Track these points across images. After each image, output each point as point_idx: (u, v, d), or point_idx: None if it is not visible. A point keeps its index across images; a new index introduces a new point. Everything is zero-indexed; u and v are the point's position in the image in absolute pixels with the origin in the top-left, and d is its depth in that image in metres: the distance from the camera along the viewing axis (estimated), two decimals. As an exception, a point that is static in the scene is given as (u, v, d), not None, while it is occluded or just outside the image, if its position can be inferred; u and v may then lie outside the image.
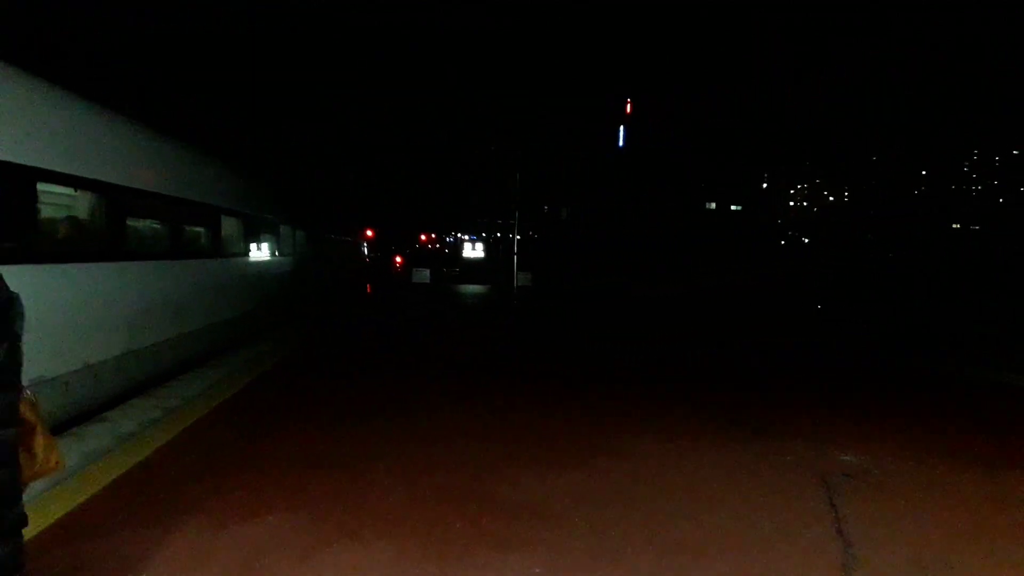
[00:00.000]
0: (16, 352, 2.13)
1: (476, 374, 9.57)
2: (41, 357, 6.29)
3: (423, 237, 75.38)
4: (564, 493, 5.01)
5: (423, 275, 31.47)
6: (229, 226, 12.47)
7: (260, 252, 14.06)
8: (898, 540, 4.31)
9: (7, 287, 2.14)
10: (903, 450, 6.21)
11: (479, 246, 41.56)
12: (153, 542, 4.05)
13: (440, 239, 77.57)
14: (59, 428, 6.55)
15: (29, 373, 6.11)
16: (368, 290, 30.37)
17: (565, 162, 53.71)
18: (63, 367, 6.68)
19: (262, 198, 14.79)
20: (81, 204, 8.19)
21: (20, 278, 5.96)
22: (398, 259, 51.35)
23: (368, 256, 45.57)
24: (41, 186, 6.48)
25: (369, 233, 57.21)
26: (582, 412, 7.45)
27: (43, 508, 4.41)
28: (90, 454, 5.69)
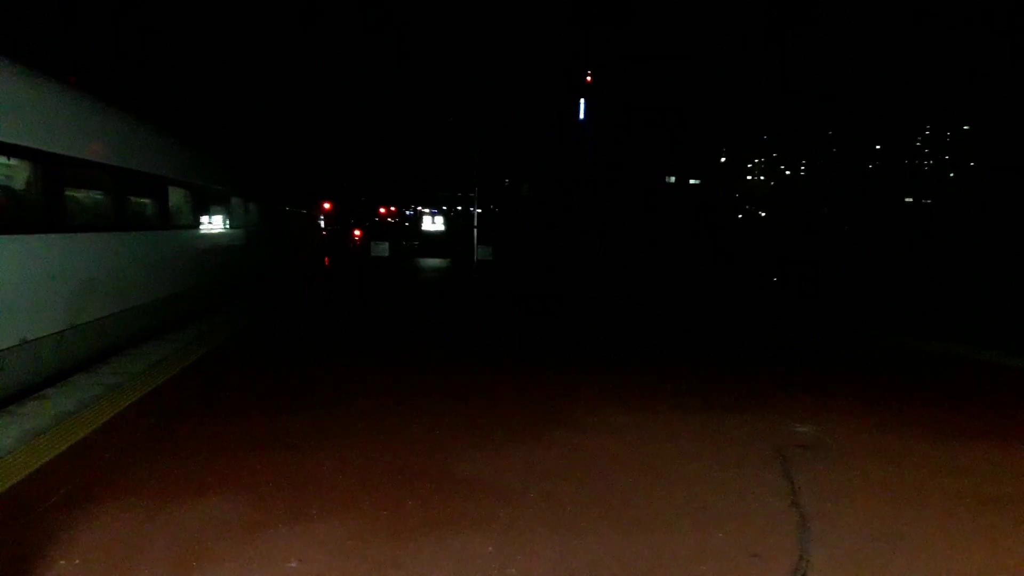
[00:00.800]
0: None
1: (430, 351, 9.45)
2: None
3: (382, 210, 74.41)
4: (520, 469, 4.92)
5: (382, 248, 31.15)
6: (177, 197, 12.07)
7: (210, 224, 13.66)
8: (852, 512, 4.31)
9: None
10: (857, 421, 6.26)
11: (439, 219, 41.21)
12: (87, 526, 3.86)
13: (400, 212, 76.73)
14: (-5, 406, 6.27)
15: (-41, 350, 5.87)
16: (326, 263, 29.94)
17: (526, 135, 53.39)
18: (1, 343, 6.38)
19: (212, 169, 14.34)
20: (13, 173, 7.80)
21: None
22: (357, 232, 50.65)
23: (325, 229, 44.87)
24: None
25: (327, 206, 56.33)
26: (539, 388, 7.37)
27: (-30, 491, 4.19)
28: (25, 433, 5.44)
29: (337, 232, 50.15)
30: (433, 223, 40.60)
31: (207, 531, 3.87)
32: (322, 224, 35.90)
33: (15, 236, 6.77)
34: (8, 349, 6.53)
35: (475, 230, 22.95)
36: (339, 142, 52.85)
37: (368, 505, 4.25)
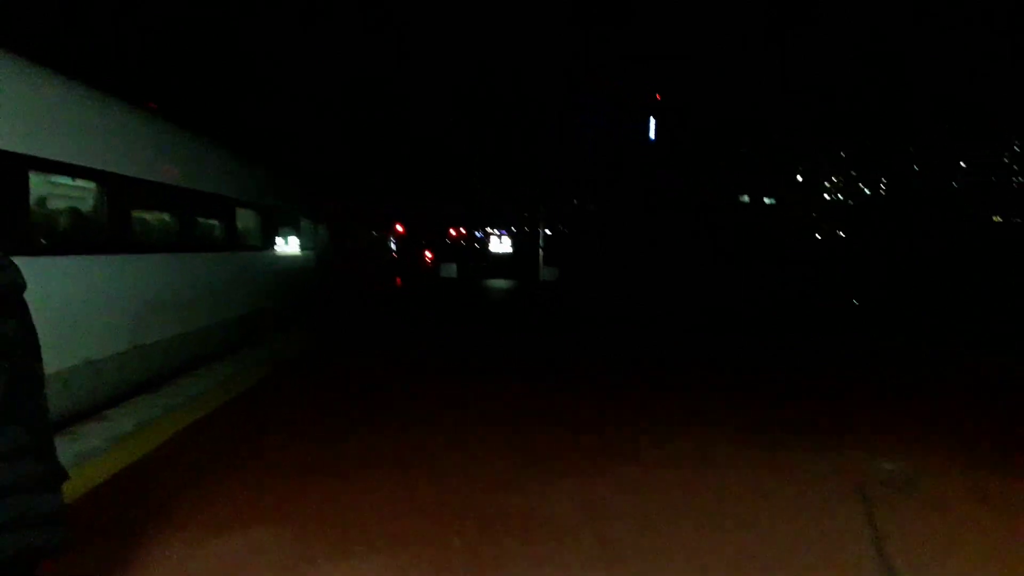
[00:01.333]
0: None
1: (488, 375, 9.20)
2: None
3: (453, 232, 75.10)
4: (574, 505, 4.61)
5: (450, 270, 31.21)
6: (245, 219, 12.24)
7: (278, 246, 13.82)
8: (946, 566, 3.85)
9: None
10: (949, 457, 5.71)
11: (506, 240, 41.22)
12: (124, 556, 3.74)
13: (471, 234, 77.29)
14: (57, 427, 6.31)
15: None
16: (398, 283, 30.28)
17: (594, 156, 53.14)
18: (61, 363, 6.44)
19: (282, 191, 14.56)
20: (80, 194, 7.96)
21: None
22: (428, 254, 51.10)
23: (398, 251, 45.36)
24: (34, 176, 6.23)
25: (400, 228, 57.08)
26: (597, 415, 7.05)
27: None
28: (81, 455, 5.42)
29: (410, 254, 50.69)
30: (500, 244, 40.63)
31: (247, 566, 3.70)
32: (392, 246, 36.24)
33: (79, 257, 6.87)
34: (72, 368, 6.60)
35: (540, 251, 22.68)
36: (411, 165, 53.54)
37: (414, 541, 4.02)
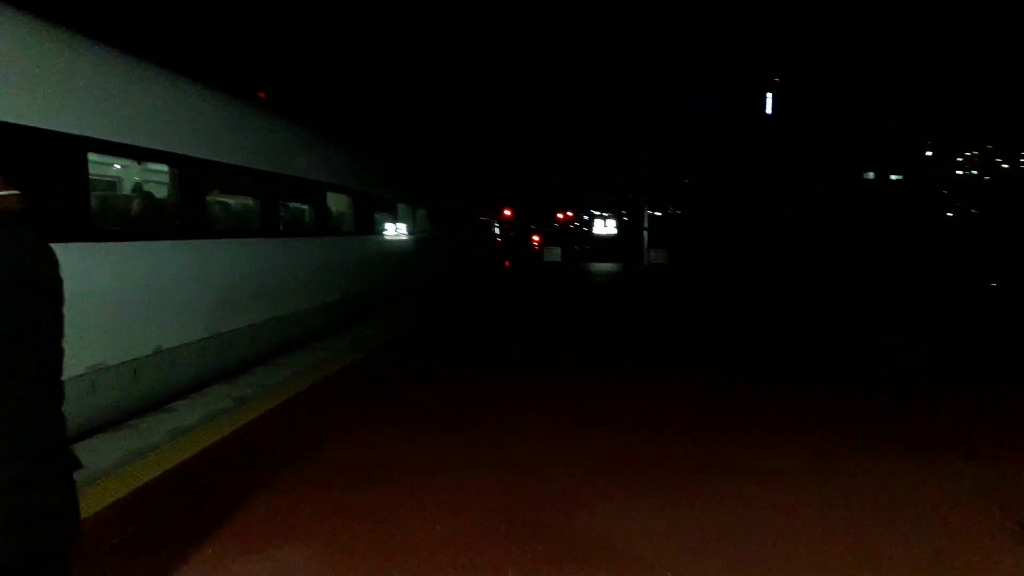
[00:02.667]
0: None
1: (576, 367, 8.51)
2: (102, 342, 5.86)
3: (560, 215, 74.42)
4: (656, 529, 3.90)
5: (554, 254, 30.69)
6: (336, 203, 12.04)
7: (372, 231, 13.59)
8: None
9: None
10: None
11: (611, 223, 40.17)
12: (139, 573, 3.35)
13: (578, 217, 76.37)
14: (125, 418, 6.14)
15: (87, 360, 5.75)
16: (507, 266, 30.14)
17: (707, 133, 51.04)
18: (130, 352, 6.26)
19: (377, 175, 14.34)
20: (150, 178, 7.82)
21: (75, 256, 5.57)
22: (535, 238, 50.81)
23: (504, 235, 45.24)
24: (96, 157, 6.04)
25: (507, 213, 56.99)
26: (694, 418, 6.24)
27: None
28: (129, 454, 5.17)
29: (517, 238, 50.56)
30: (605, 227, 39.63)
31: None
32: (496, 230, 36.04)
33: (148, 243, 6.67)
34: (143, 358, 6.43)
35: (645, 232, 21.69)
36: (517, 150, 53.20)
37: (464, 568, 3.44)
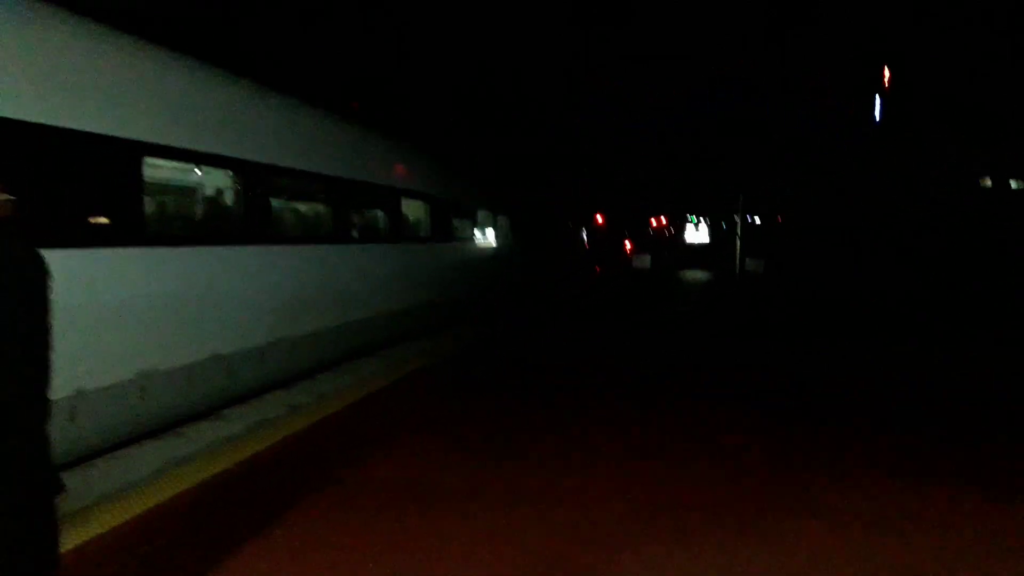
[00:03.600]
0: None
1: (651, 388, 7.99)
2: (153, 346, 5.83)
3: (653, 221, 73.02)
4: (706, 579, 3.43)
5: (644, 261, 30.00)
6: (412, 209, 11.91)
7: (449, 238, 13.42)
8: None
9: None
10: None
11: (703, 228, 38.92)
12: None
13: (672, 223, 74.78)
14: (174, 425, 6.10)
15: (136, 364, 5.72)
16: (597, 273, 29.73)
17: (811, 137, 48.81)
18: (185, 358, 6.22)
19: (456, 182, 14.18)
20: (204, 181, 7.80)
21: (123, 260, 5.55)
22: (628, 244, 49.89)
23: (595, 241, 44.56)
24: (153, 160, 6.03)
25: (599, 218, 56.21)
26: (771, 448, 5.67)
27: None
28: (166, 462, 5.06)
29: (609, 244, 49.77)
30: (696, 232, 38.45)
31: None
32: (585, 237, 35.50)
33: (205, 248, 6.63)
34: (197, 363, 6.38)
35: (738, 240, 20.76)
36: (609, 153, 52.42)
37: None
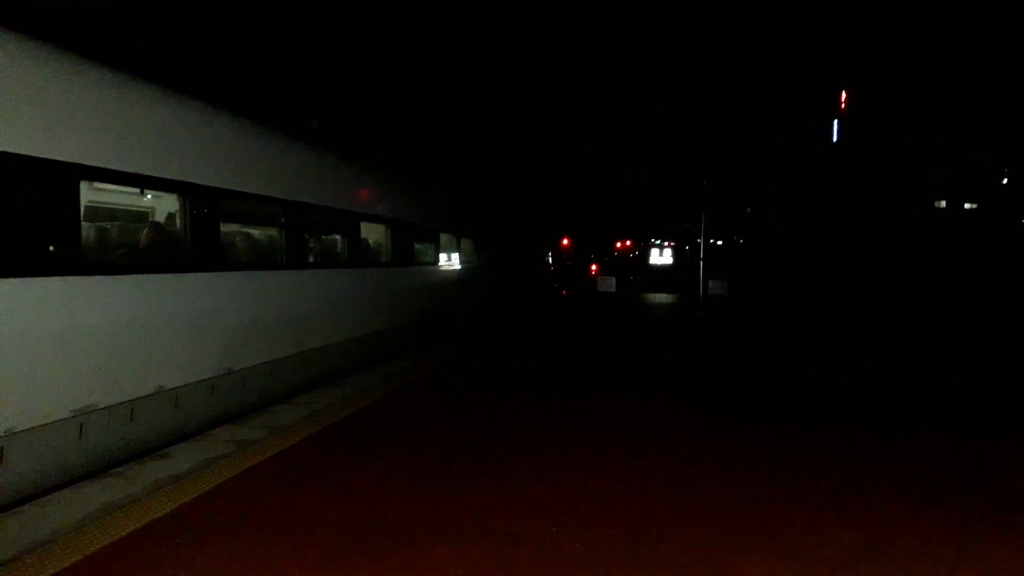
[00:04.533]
0: None
1: (626, 414, 7.81)
2: (92, 381, 5.47)
3: (619, 244, 73.43)
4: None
5: (608, 284, 29.90)
6: (371, 233, 11.64)
7: (411, 262, 13.16)
8: None
9: None
10: None
11: (666, 252, 39.19)
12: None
13: (637, 246, 75.33)
14: (111, 465, 5.72)
15: (75, 401, 5.36)
16: (563, 295, 29.69)
17: (768, 161, 49.62)
18: (126, 393, 5.86)
19: (418, 205, 13.94)
20: (146, 206, 7.51)
21: (58, 290, 5.21)
22: (593, 267, 50.04)
23: (560, 264, 44.56)
24: (90, 187, 5.71)
25: (565, 242, 56.38)
26: (773, 479, 5.50)
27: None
28: (107, 506, 4.70)
29: (573, 267, 49.83)
30: (660, 256, 38.68)
31: None
32: (550, 260, 35.44)
33: (149, 276, 6.28)
34: (140, 399, 6.03)
35: (701, 262, 20.79)
36: (572, 178, 52.70)
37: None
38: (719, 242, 53.03)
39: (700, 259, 20.56)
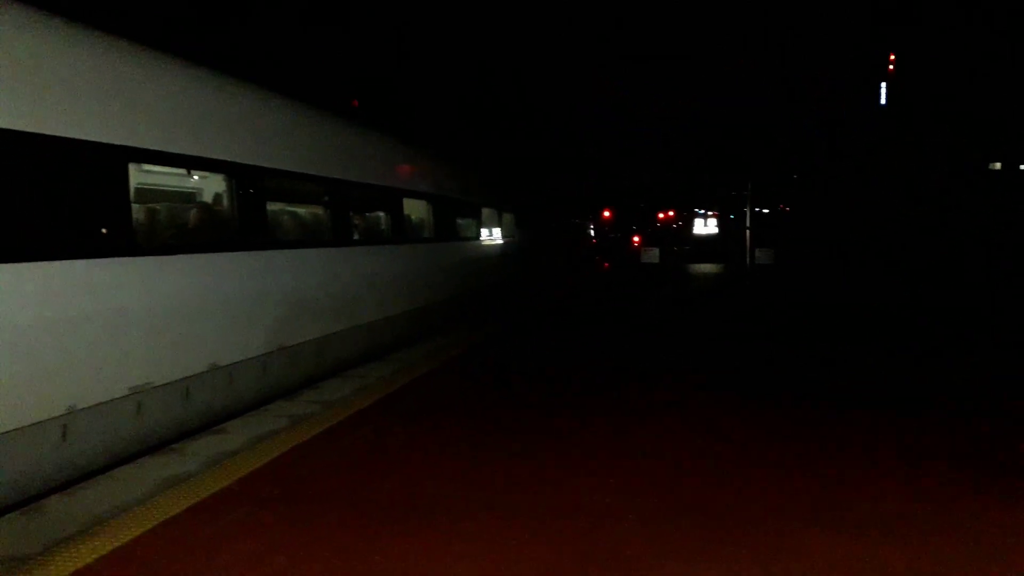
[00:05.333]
0: None
1: (663, 393, 7.72)
2: (148, 359, 5.59)
3: (661, 215, 72.74)
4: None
5: (652, 255, 29.62)
6: (414, 209, 11.67)
7: (454, 237, 13.18)
8: None
9: None
10: None
11: (711, 222, 38.63)
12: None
13: (681, 217, 74.47)
14: (168, 441, 5.86)
15: (132, 379, 5.50)
16: (606, 268, 29.60)
17: (816, 127, 48.44)
18: (181, 371, 5.99)
19: (458, 179, 13.93)
20: (198, 186, 7.58)
21: (114, 271, 5.32)
22: (635, 239, 49.77)
23: (603, 236, 44.43)
24: (142, 166, 5.79)
25: (606, 214, 56.05)
26: (799, 457, 5.41)
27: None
28: (167, 481, 4.82)
29: (616, 239, 49.63)
30: (705, 226, 38.14)
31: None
32: (592, 232, 35.27)
33: (204, 255, 6.38)
34: (194, 376, 6.15)
35: (747, 231, 20.45)
36: (616, 150, 52.21)
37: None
38: (765, 210, 52.21)
39: (747, 228, 20.18)
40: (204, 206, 7.29)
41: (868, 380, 7.69)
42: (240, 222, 6.81)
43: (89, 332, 4.99)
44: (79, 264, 4.93)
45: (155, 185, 7.39)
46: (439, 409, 6.59)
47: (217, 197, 7.35)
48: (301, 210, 8.85)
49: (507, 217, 17.25)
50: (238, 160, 6.79)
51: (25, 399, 4.48)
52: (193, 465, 5.23)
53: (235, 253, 6.75)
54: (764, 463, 4.94)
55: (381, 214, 10.52)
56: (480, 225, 14.95)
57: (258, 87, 7.71)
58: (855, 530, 3.78)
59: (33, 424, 4.55)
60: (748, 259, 21.23)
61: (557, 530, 3.86)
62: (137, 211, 5.99)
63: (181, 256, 6.08)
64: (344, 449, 5.43)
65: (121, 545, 3.70)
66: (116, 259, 5.29)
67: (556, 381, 7.79)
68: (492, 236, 15.92)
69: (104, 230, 5.23)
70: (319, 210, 8.84)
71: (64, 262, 4.80)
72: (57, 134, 4.81)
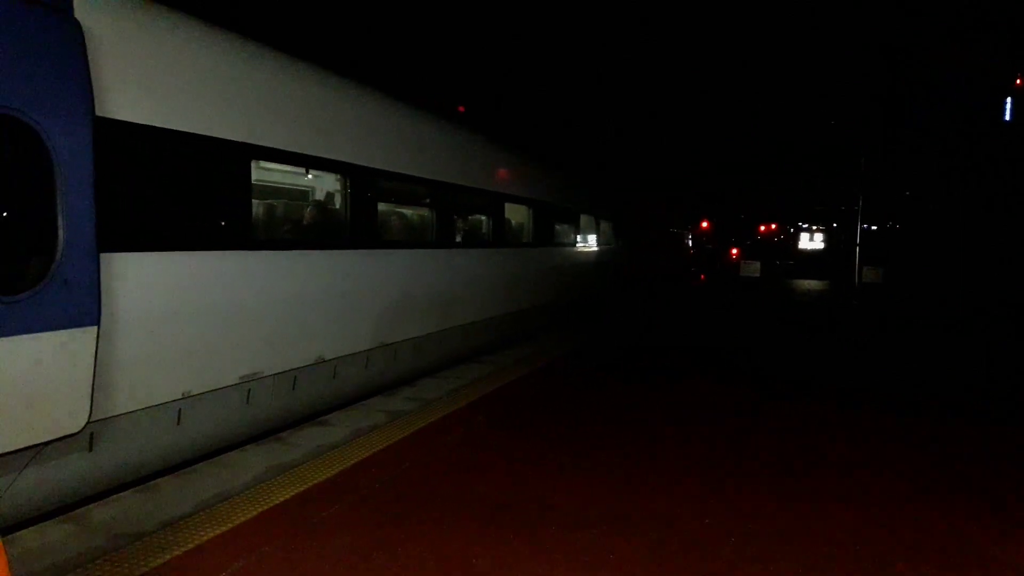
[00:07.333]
0: None
1: (758, 419, 7.48)
2: (259, 349, 5.81)
3: (762, 228, 70.63)
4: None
5: (752, 268, 28.77)
6: (515, 214, 11.72)
7: (550, 242, 13.16)
8: None
9: None
10: None
11: (817, 236, 37.20)
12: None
13: (783, 230, 72.12)
14: (274, 430, 6.07)
15: (243, 368, 5.72)
16: (702, 280, 29.01)
17: (930, 142, 45.88)
18: (289, 362, 6.19)
19: (558, 185, 13.91)
20: (313, 185, 7.80)
21: (232, 264, 5.55)
22: (734, 251, 48.55)
23: (700, 247, 43.45)
24: (264, 164, 6.01)
25: (704, 224, 54.85)
26: (911, 486, 5.12)
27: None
28: (273, 469, 4.99)
29: (713, 251, 48.50)
30: (811, 240, 36.76)
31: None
32: (690, 243, 34.58)
33: (312, 252, 6.58)
34: (302, 369, 6.35)
35: (857, 248, 19.56)
36: (716, 155, 51.05)
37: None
38: (873, 227, 49.94)
39: (856, 244, 19.32)
40: (318, 205, 7.54)
41: None
42: (351, 222, 7.00)
43: (207, 320, 5.22)
44: (205, 256, 5.17)
45: (273, 183, 7.69)
46: (535, 414, 6.58)
47: (330, 196, 7.58)
48: (408, 211, 9.02)
49: (604, 224, 17.11)
50: (353, 161, 6.98)
51: (146, 382, 4.72)
52: (297, 454, 5.40)
53: (346, 251, 6.93)
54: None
55: (482, 218, 10.62)
56: (577, 232, 14.88)
57: (373, 90, 7.91)
58: None
59: (151, 407, 4.79)
60: (856, 277, 20.29)
61: (675, 550, 3.78)
62: (256, 207, 6.24)
63: (295, 252, 6.29)
64: (442, 449, 5.48)
65: (231, 528, 3.85)
66: (237, 252, 5.52)
67: (650, 398, 7.66)
68: (588, 243, 15.82)
69: (225, 223, 5.47)
70: (424, 212, 8.99)
71: (190, 252, 5.04)
72: (196, 131, 5.07)
